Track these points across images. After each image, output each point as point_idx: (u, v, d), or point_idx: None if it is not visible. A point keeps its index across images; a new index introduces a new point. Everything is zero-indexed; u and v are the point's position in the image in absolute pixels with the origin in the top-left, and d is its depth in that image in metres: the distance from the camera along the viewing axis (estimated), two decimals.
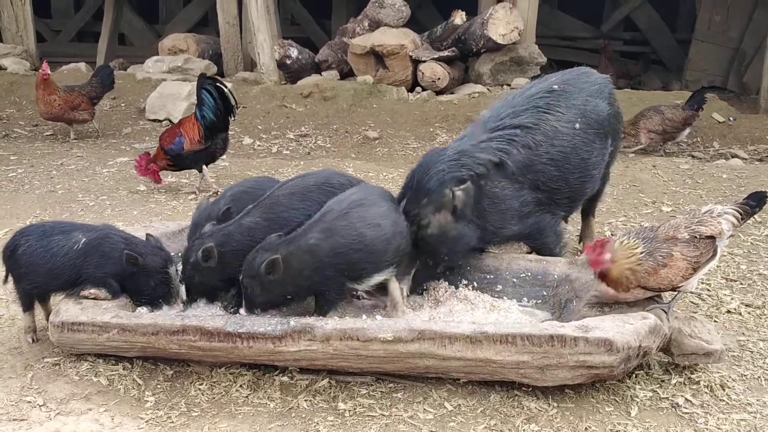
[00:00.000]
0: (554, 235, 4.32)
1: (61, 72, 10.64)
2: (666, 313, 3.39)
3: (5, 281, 3.73)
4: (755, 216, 5.59)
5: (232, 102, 6.45)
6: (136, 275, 3.61)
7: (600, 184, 4.65)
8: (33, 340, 3.71)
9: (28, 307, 3.70)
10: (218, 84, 6.38)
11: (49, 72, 8.17)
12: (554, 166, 4.16)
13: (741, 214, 3.56)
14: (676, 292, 3.55)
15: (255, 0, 10.40)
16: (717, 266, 4.78)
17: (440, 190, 3.87)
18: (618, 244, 3.47)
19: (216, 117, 6.32)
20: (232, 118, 6.54)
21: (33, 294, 3.68)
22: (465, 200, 3.92)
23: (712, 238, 3.47)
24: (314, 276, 3.53)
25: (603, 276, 3.45)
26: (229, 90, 6.44)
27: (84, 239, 3.63)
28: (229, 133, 6.62)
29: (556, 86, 4.35)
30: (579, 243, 5.00)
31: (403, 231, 3.72)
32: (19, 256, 3.62)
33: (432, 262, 3.97)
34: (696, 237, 3.44)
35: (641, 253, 3.41)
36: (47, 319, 3.66)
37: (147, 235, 3.84)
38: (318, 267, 3.52)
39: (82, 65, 11.19)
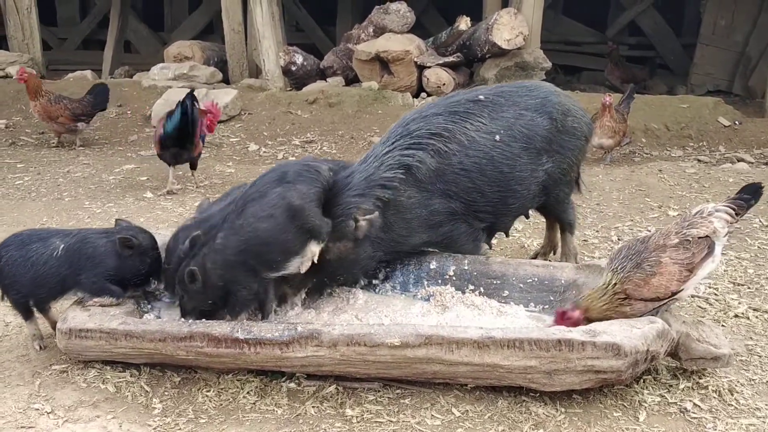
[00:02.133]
0: (470, 244, 4.25)
1: (67, 80, 10.68)
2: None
3: (2, 299, 3.72)
4: (762, 220, 5.62)
5: (190, 129, 6.43)
6: (132, 257, 3.61)
7: (551, 199, 4.49)
8: (40, 347, 3.71)
9: (27, 316, 3.70)
10: (195, 103, 6.45)
11: (26, 77, 8.17)
12: (467, 176, 4.08)
13: (735, 209, 3.53)
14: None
15: (260, 7, 10.43)
16: (724, 270, 4.78)
17: (345, 221, 3.83)
18: (587, 295, 3.51)
19: (172, 133, 6.40)
20: (189, 144, 6.58)
21: (22, 304, 3.66)
22: (368, 230, 3.87)
23: (706, 237, 3.46)
24: (226, 275, 3.53)
25: (590, 322, 3.43)
26: (193, 117, 6.40)
27: (62, 245, 3.61)
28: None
29: (482, 96, 4.27)
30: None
31: (303, 210, 3.60)
32: (2, 268, 3.61)
33: (328, 280, 3.96)
34: (688, 240, 3.43)
35: (611, 283, 3.42)
36: (52, 329, 3.67)
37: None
38: (227, 265, 3.52)
39: (88, 73, 11.23)
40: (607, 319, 3.40)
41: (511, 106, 4.25)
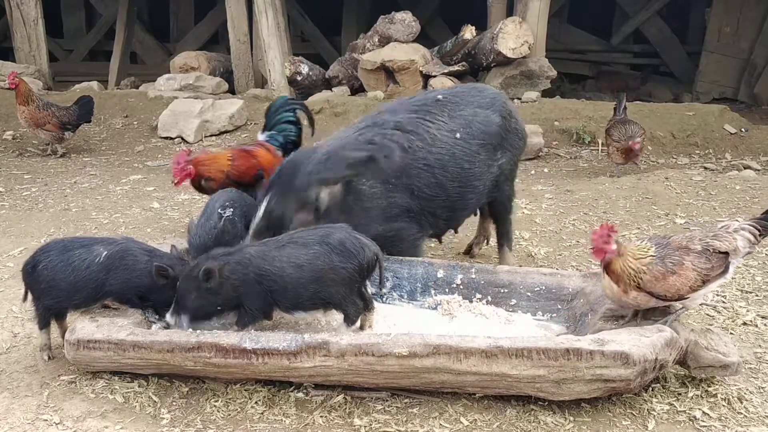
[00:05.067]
0: (411, 249, 4.31)
1: (74, 91, 10.70)
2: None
3: (24, 299, 3.74)
4: None
5: None
6: (165, 287, 3.62)
7: (503, 195, 4.69)
8: (49, 358, 3.72)
9: (44, 324, 3.70)
10: None
11: (16, 81, 8.17)
12: (430, 172, 4.21)
13: (759, 230, 3.50)
14: (678, 307, 3.53)
15: (266, 17, 10.47)
16: (732, 278, 4.75)
17: (306, 191, 3.94)
18: (632, 244, 3.48)
19: None
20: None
21: (53, 310, 3.67)
22: (328, 201, 3.97)
23: (725, 254, 3.44)
24: (241, 288, 3.57)
25: (606, 266, 3.43)
26: None
27: (105, 252, 3.65)
28: None
29: (440, 96, 4.46)
30: None
31: (329, 278, 3.59)
32: (39, 272, 3.62)
33: None
34: (709, 250, 3.42)
35: (652, 256, 3.40)
36: (63, 337, 3.67)
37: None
38: (245, 280, 3.57)
39: (95, 84, 11.26)
40: (616, 279, 3.39)
41: (467, 105, 4.44)
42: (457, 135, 4.31)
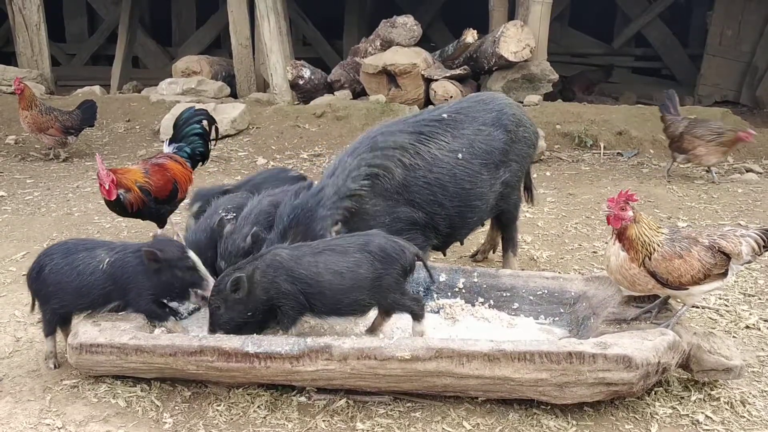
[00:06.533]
0: None
1: (76, 95, 10.72)
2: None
3: (33, 308, 3.73)
4: None
5: None
6: (162, 271, 3.60)
7: (510, 205, 4.70)
8: (55, 366, 3.70)
9: (51, 331, 3.69)
10: None
11: (21, 87, 8.16)
12: (430, 191, 4.19)
13: (765, 242, 3.51)
14: (679, 309, 3.52)
15: (267, 21, 10.47)
16: (735, 281, 4.76)
17: (325, 235, 3.91)
18: (648, 218, 3.50)
19: None
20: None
21: (60, 314, 3.65)
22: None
23: (728, 257, 3.44)
24: (271, 290, 3.54)
25: (621, 233, 3.43)
26: None
27: (108, 259, 3.62)
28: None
29: (445, 115, 4.41)
30: None
31: (364, 286, 3.59)
32: (45, 276, 3.62)
33: None
34: (714, 247, 3.42)
35: (665, 235, 3.43)
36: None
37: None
38: (275, 282, 3.54)
39: (97, 88, 11.27)
40: (628, 247, 3.41)
41: (470, 122, 4.39)
42: (459, 156, 4.27)
